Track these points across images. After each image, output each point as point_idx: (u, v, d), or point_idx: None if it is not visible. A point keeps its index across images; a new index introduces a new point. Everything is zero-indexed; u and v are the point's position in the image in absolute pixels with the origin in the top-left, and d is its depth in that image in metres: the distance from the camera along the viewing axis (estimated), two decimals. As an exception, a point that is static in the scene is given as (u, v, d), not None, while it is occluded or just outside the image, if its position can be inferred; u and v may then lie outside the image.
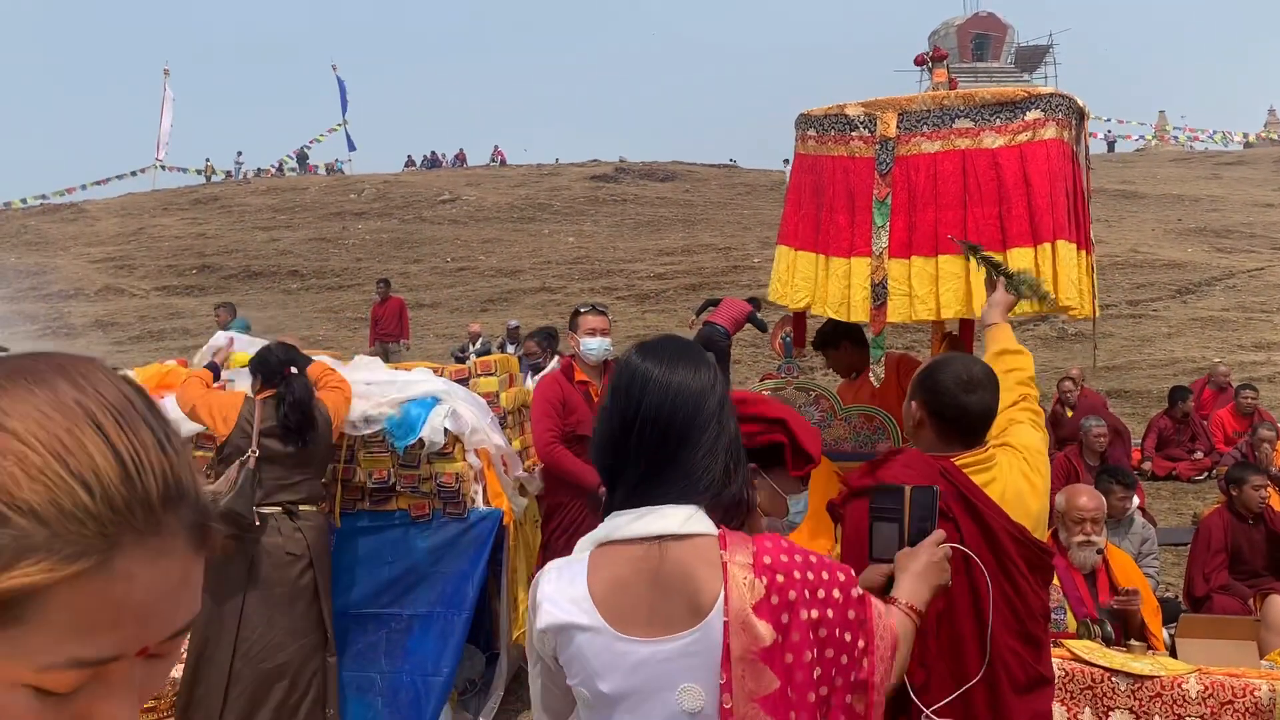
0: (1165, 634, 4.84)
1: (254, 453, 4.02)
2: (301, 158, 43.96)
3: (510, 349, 15.96)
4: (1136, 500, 6.03)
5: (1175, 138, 49.46)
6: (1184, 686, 3.63)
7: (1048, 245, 3.97)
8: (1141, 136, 48.27)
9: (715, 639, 1.46)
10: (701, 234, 27.93)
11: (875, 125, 4.19)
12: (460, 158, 47.21)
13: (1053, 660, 2.43)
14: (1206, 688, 3.61)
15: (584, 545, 1.60)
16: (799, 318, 4.92)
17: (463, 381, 5.01)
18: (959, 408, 2.38)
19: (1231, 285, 20.23)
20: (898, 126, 4.16)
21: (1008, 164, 4.02)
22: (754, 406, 1.95)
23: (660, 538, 1.52)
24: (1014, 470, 2.40)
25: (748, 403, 1.94)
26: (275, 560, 4.00)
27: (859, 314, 4.16)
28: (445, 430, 4.50)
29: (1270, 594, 4.69)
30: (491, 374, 5.14)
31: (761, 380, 8.71)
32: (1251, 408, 10.19)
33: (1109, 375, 14.80)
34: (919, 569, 1.91)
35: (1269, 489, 5.90)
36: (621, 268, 24.41)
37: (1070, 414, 9.98)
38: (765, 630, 1.45)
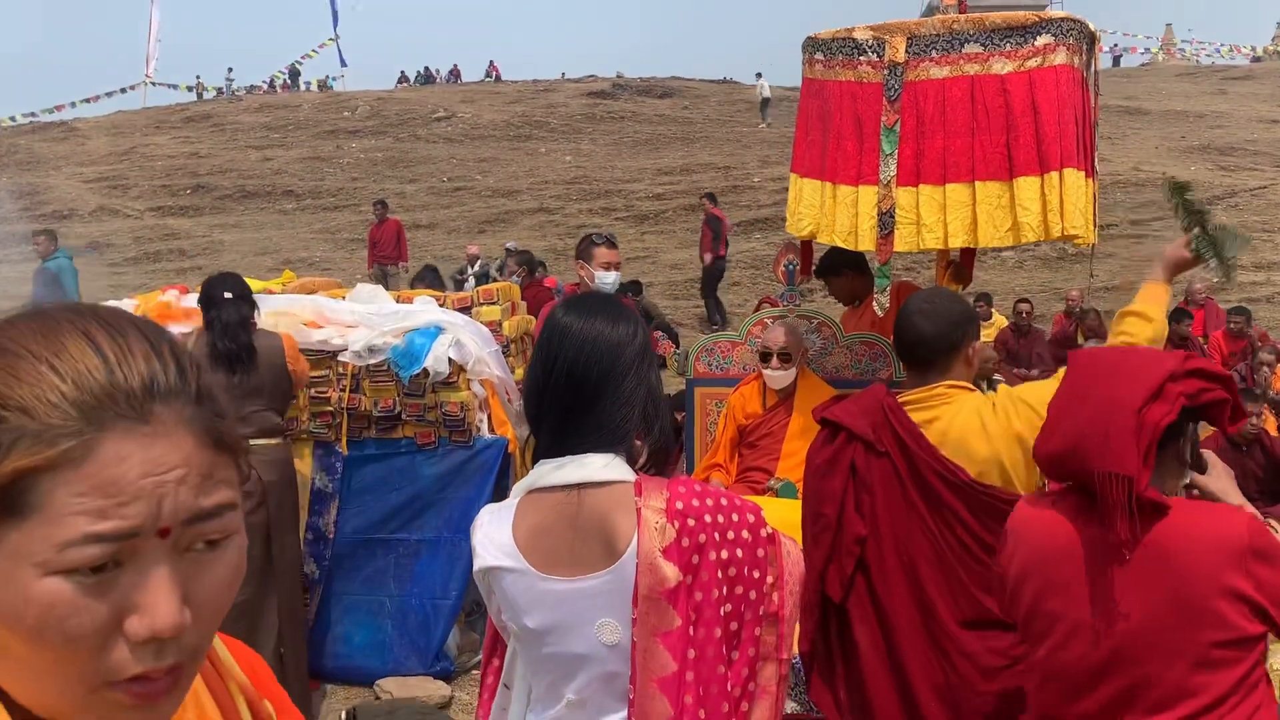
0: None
1: None
2: (293, 74, 43.24)
3: (508, 271, 15.93)
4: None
5: (1182, 51, 48.65)
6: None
7: (1055, 174, 3.95)
8: (1147, 50, 47.49)
9: (628, 578, 1.58)
10: (700, 153, 27.62)
11: (884, 50, 4.12)
12: (455, 73, 46.43)
13: None
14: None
15: (516, 491, 1.71)
16: (805, 245, 4.90)
17: (465, 310, 5.02)
18: (899, 334, 2.49)
19: (1234, 204, 20.09)
20: (906, 51, 4.09)
21: (1016, 91, 3.97)
22: (1198, 362, 1.96)
23: (580, 485, 1.62)
24: (966, 412, 2.38)
25: (1194, 360, 1.95)
26: None
27: (866, 243, 4.14)
28: (449, 360, 4.52)
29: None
30: (494, 302, 5.14)
31: (760, 306, 8.71)
32: (1241, 330, 10.21)
33: (1109, 296, 14.78)
34: None
35: (1263, 416, 5.95)
36: (620, 188, 24.20)
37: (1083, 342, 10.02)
38: (671, 571, 1.56)
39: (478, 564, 1.70)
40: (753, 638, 1.66)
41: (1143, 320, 2.58)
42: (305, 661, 4.22)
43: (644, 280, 14.58)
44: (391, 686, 4.42)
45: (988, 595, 2.30)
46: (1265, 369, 8.00)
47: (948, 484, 2.31)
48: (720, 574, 1.61)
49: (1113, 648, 1.89)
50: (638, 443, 1.71)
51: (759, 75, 34.21)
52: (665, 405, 1.79)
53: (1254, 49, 47.88)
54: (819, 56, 4.36)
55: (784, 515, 3.57)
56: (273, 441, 4.08)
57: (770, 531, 1.70)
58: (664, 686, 1.55)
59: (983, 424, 2.35)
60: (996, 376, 9.08)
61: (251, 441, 3.93)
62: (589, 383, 1.65)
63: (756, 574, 1.66)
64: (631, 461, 1.69)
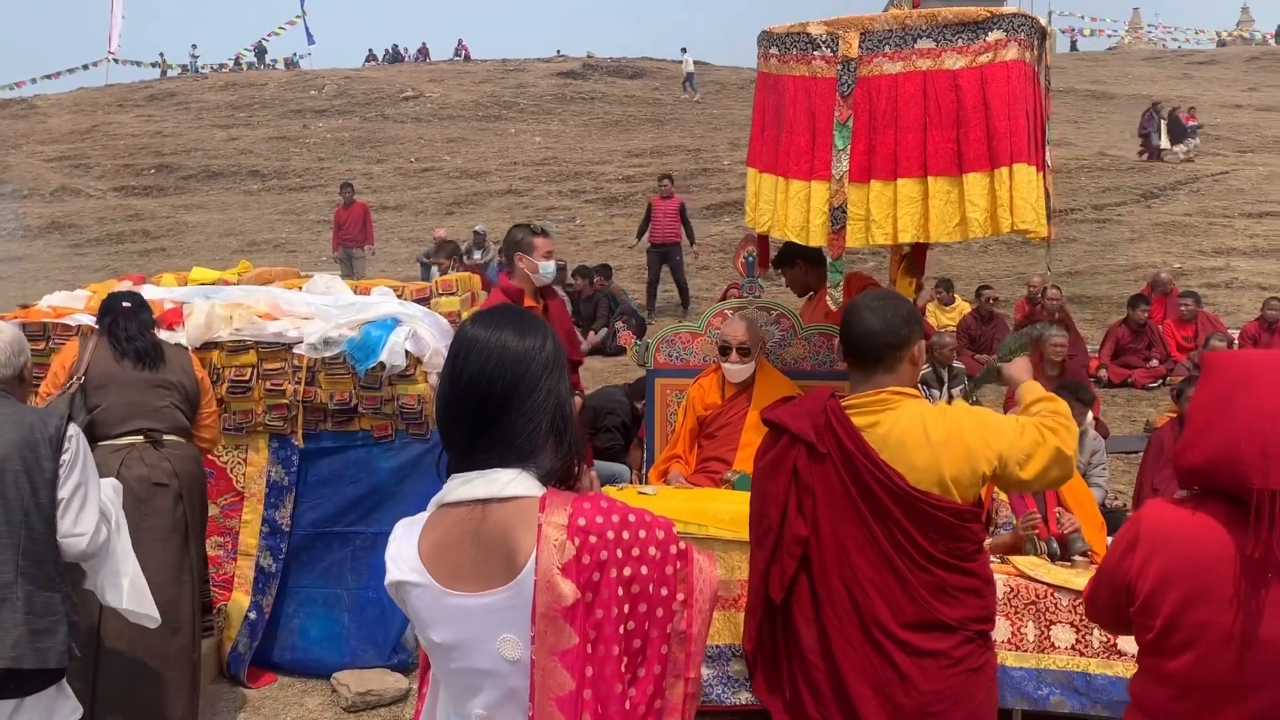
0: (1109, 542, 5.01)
1: (79, 379, 3.82)
2: (259, 52, 42.68)
3: (477, 255, 15.84)
4: (1091, 414, 6.17)
5: (1150, 35, 49.01)
6: (1121, 602, 3.78)
7: (1005, 169, 3.98)
8: (1115, 33, 47.80)
9: (527, 595, 1.56)
10: (671, 135, 27.57)
11: (837, 45, 4.13)
12: (423, 52, 46.00)
13: (987, 605, 2.45)
14: (1143, 603, 3.76)
15: (431, 505, 1.70)
16: (762, 237, 4.93)
17: (423, 301, 5.00)
18: (846, 330, 2.48)
19: (1195, 189, 20.31)
20: (860, 46, 4.10)
21: (968, 87, 4.00)
22: None
23: (484, 500, 1.62)
24: (908, 418, 2.37)
25: None
26: (142, 492, 3.72)
27: (818, 238, 4.17)
28: (406, 352, 4.51)
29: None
30: (453, 293, 5.13)
31: (726, 293, 8.73)
32: (1192, 314, 10.33)
33: (1072, 281, 14.93)
34: None
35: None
36: (590, 169, 24.11)
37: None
38: (568, 590, 1.55)
39: (387, 578, 1.69)
40: (659, 655, 1.65)
41: (1052, 400, 2.62)
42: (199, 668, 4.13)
43: (613, 264, 14.54)
44: (349, 680, 4.41)
45: (934, 598, 2.34)
46: (1219, 356, 8.10)
47: (887, 489, 2.32)
48: (622, 592, 1.60)
49: (1262, 662, 1.85)
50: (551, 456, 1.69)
51: (684, 50, 34.41)
52: (573, 420, 1.76)
53: (1218, 33, 48.30)
54: (773, 51, 4.37)
55: (740, 509, 3.61)
56: (181, 440, 3.97)
57: (682, 548, 1.69)
58: (562, 705, 1.55)
59: (925, 432, 2.35)
60: (958, 363, 9.17)
61: (165, 437, 3.89)
62: (494, 395, 1.64)
63: (665, 591, 1.65)
64: (550, 476, 1.68)
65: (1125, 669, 3.77)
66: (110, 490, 3.15)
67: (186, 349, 4.18)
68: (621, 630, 1.61)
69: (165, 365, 3.98)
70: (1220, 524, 1.91)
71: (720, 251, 17.19)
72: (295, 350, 4.59)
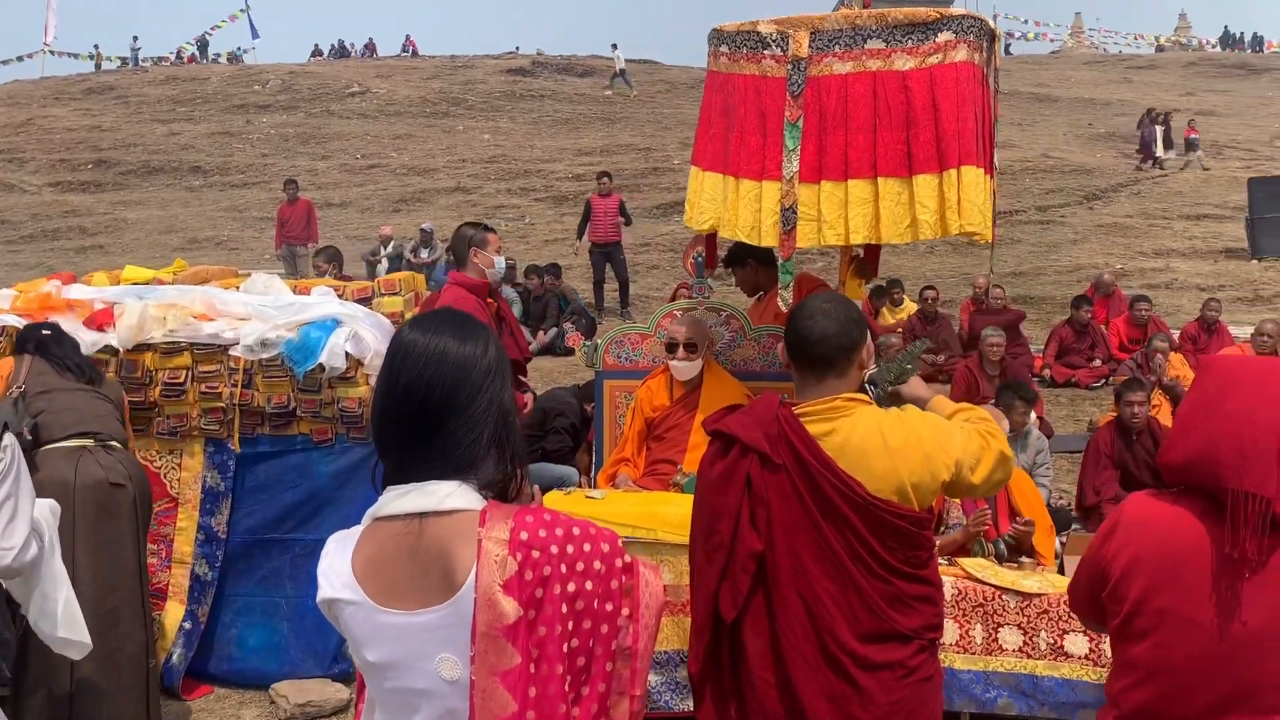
0: (1057, 543, 5.04)
1: (18, 388, 3.72)
2: (202, 45, 41.90)
3: (424, 253, 15.66)
4: (1034, 414, 6.21)
5: (1091, 39, 49.96)
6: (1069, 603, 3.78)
7: (954, 171, 3.97)
8: (1058, 37, 48.65)
9: (466, 613, 1.50)
10: (621, 133, 27.50)
11: (788, 44, 4.10)
12: (370, 47, 45.46)
13: (938, 613, 2.41)
14: (1089, 604, 3.77)
15: (366, 518, 1.63)
16: (710, 238, 4.88)
17: (365, 301, 4.88)
18: (796, 334, 2.39)
19: (1136, 192, 20.71)
20: (810, 46, 4.07)
21: (917, 88, 3.98)
22: None
23: (421, 514, 1.55)
24: (865, 426, 2.32)
25: None
26: (100, 493, 3.63)
27: (769, 239, 4.13)
28: (346, 354, 4.39)
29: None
30: (396, 293, 5.01)
31: (674, 296, 8.69)
32: (1147, 318, 10.51)
33: (1016, 281, 15.12)
34: None
35: (1155, 404, 6.11)
36: (539, 167, 23.97)
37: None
38: (510, 607, 1.49)
39: (319, 595, 1.62)
40: (604, 673, 1.60)
41: (970, 408, 2.61)
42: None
43: (563, 263, 14.44)
44: (288, 691, 4.29)
45: (891, 608, 2.28)
46: (1159, 356, 8.22)
47: (846, 498, 2.25)
48: (566, 608, 1.54)
49: (1228, 651, 1.91)
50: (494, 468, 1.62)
51: (614, 46, 34.52)
52: (516, 429, 1.68)
53: (1157, 39, 49.33)
54: (723, 49, 4.32)
55: (690, 513, 3.55)
56: (125, 449, 3.88)
57: (628, 561, 1.64)
58: None
59: (884, 439, 2.30)
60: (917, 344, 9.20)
61: (112, 442, 3.78)
62: (432, 404, 1.57)
63: (609, 606, 1.60)
64: (491, 487, 1.61)
65: (1071, 671, 3.78)
66: (47, 511, 3.01)
67: (118, 384, 4.09)
68: (565, 648, 1.55)
69: (104, 383, 3.95)
70: (1195, 517, 1.98)
71: (670, 251, 17.18)
72: (231, 352, 4.47)
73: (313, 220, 15.50)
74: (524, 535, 1.52)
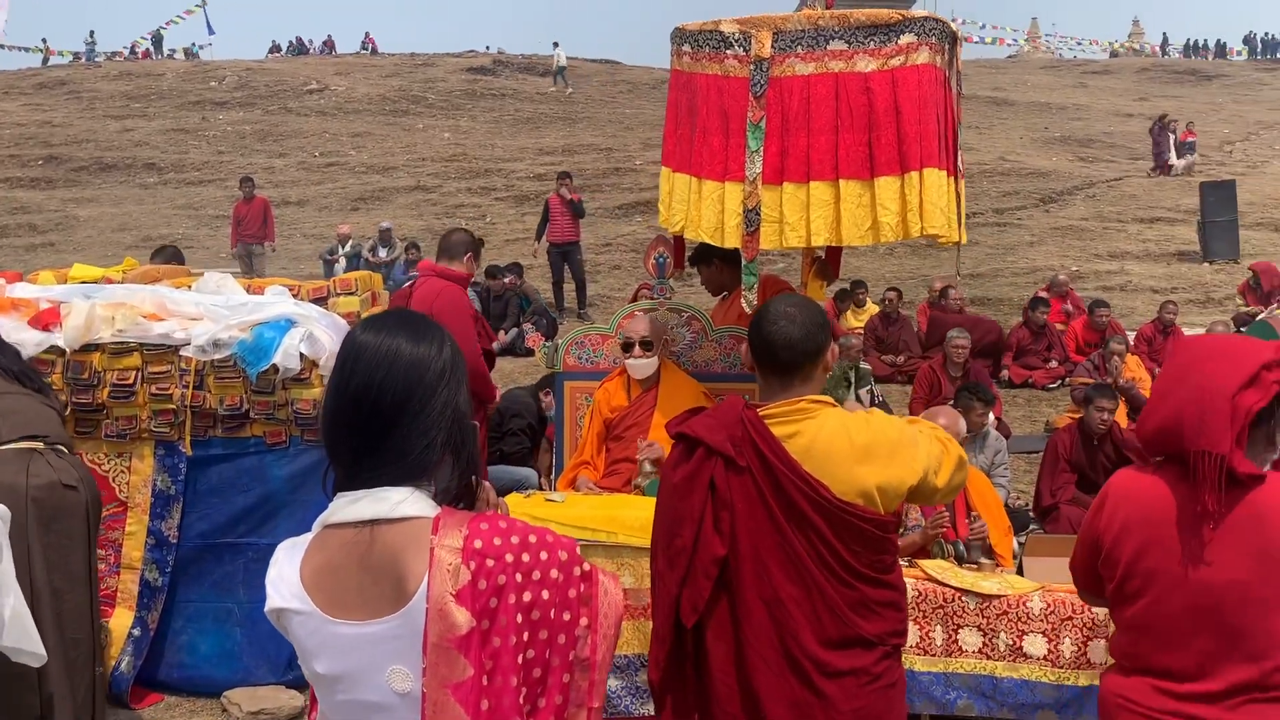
0: (1015, 543, 5.07)
1: None
2: (157, 40, 41.26)
3: (382, 252, 15.51)
4: (992, 416, 6.25)
5: (1047, 44, 50.62)
6: (1028, 604, 3.80)
7: (915, 174, 3.97)
8: (1015, 42, 49.25)
9: (418, 624, 1.46)
10: (583, 133, 27.43)
11: (750, 44, 4.07)
12: (329, 44, 45.06)
13: (902, 622, 2.39)
14: (1049, 605, 3.79)
15: (316, 525, 1.59)
16: (677, 239, 4.85)
17: (320, 301, 4.79)
18: (762, 339, 2.37)
19: (1091, 195, 20.97)
20: (772, 46, 4.05)
21: (879, 90, 3.97)
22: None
23: (372, 522, 1.51)
24: (830, 428, 2.30)
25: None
26: (53, 495, 3.49)
27: (732, 240, 4.10)
28: (301, 355, 4.31)
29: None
30: (353, 293, 4.92)
31: (635, 297, 8.65)
32: (1105, 323, 10.62)
33: (973, 283, 15.26)
34: None
35: (1116, 410, 6.17)
36: (500, 167, 23.84)
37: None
38: (463, 618, 1.45)
39: (267, 604, 1.57)
40: (560, 685, 1.56)
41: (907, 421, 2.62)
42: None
43: (524, 263, 14.36)
44: (241, 698, 4.20)
45: (855, 613, 2.26)
46: (1116, 359, 8.32)
47: (811, 501, 2.22)
48: (521, 618, 1.50)
49: (1209, 603, 2.10)
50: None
51: (556, 44, 34.61)
52: (471, 434, 1.64)
53: (1111, 44, 50.12)
54: (686, 49, 4.29)
55: (650, 515, 3.52)
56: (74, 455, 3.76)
57: (586, 569, 1.60)
58: None
59: (850, 441, 2.27)
60: (864, 365, 9.24)
61: (59, 446, 3.64)
62: (385, 407, 1.52)
63: (567, 616, 1.55)
64: (446, 494, 1.57)
65: (1030, 672, 3.79)
66: None
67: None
68: (520, 659, 1.51)
69: (48, 392, 3.82)
70: (1172, 483, 2.18)
71: (632, 251, 17.15)
72: (183, 352, 4.35)
73: (269, 218, 15.31)
74: (478, 543, 1.48)
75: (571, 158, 23.91)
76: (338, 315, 4.70)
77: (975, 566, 4.22)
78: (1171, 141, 22.63)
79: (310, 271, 15.21)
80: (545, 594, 1.52)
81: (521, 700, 1.50)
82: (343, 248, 15.75)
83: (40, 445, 3.58)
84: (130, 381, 4.34)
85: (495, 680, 1.47)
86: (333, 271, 15.13)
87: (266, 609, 1.58)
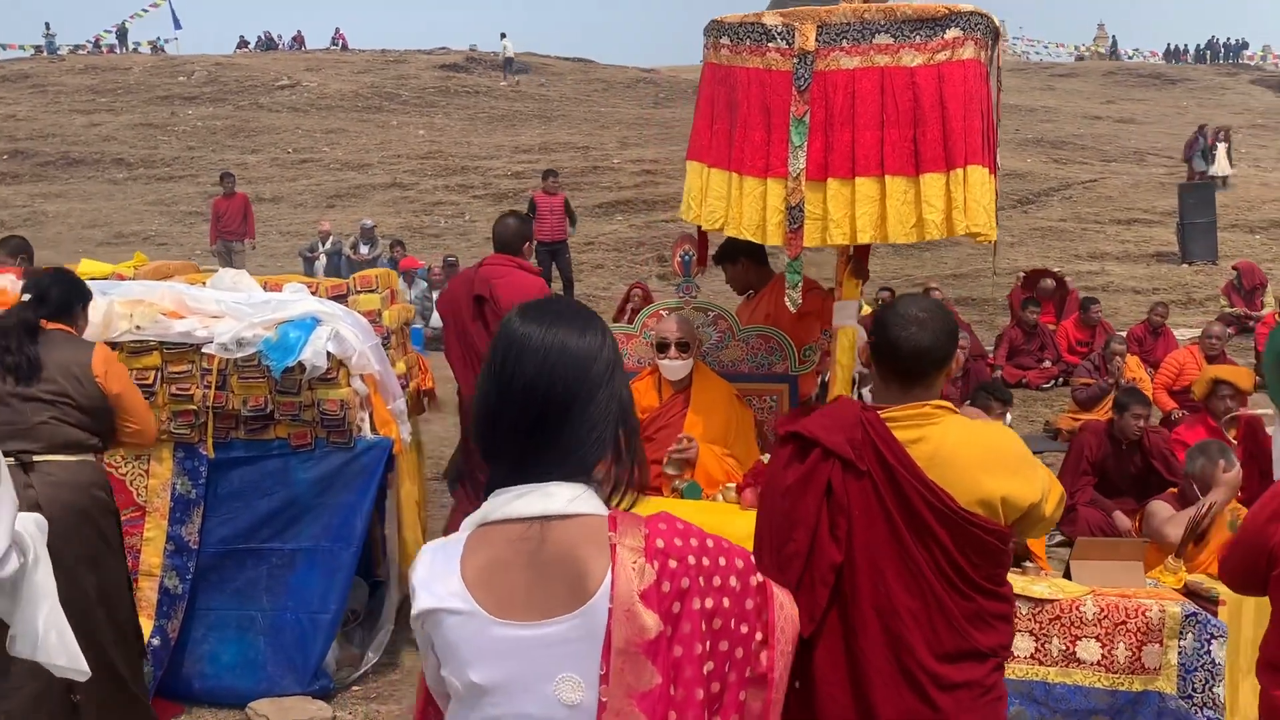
0: (1045, 546, 5.04)
1: None
2: (121, 34, 40.55)
3: (365, 249, 15.30)
4: (1009, 416, 6.22)
5: (1014, 48, 51.10)
6: (1081, 609, 3.75)
7: (960, 170, 3.91)
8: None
9: (598, 626, 1.36)
10: (559, 132, 27.26)
11: (793, 37, 3.99)
12: (298, 39, 44.53)
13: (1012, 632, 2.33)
14: (1102, 609, 3.74)
15: (466, 525, 1.48)
16: (701, 236, 4.76)
17: (340, 298, 4.65)
18: (890, 343, 2.28)
19: (1068, 196, 21.14)
20: (816, 39, 3.97)
21: (925, 85, 3.91)
22: None
23: (543, 518, 1.40)
24: (955, 435, 2.22)
25: None
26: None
27: (774, 237, 4.02)
28: (328, 353, 4.17)
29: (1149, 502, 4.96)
30: (373, 290, 4.78)
31: (627, 296, 8.55)
32: (1097, 320, 10.67)
33: (956, 283, 15.33)
34: None
35: (1149, 416, 6.12)
36: (477, 164, 23.64)
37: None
38: (651, 621, 1.35)
39: (416, 607, 1.45)
40: (736, 703, 1.45)
41: None
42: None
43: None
44: (266, 709, 4.06)
45: (972, 626, 2.18)
46: (1118, 359, 8.34)
47: (935, 510, 2.13)
48: (705, 626, 1.39)
49: None
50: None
51: (503, 35, 34.49)
52: (637, 427, 1.56)
53: (1077, 48, 50.69)
54: (725, 41, 4.20)
55: (692, 518, 3.42)
56: (69, 458, 3.40)
57: (761, 580, 1.50)
58: None
59: (974, 450, 2.19)
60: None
61: (37, 458, 3.32)
62: (553, 404, 1.43)
63: (744, 628, 1.46)
64: (614, 491, 1.48)
65: (1084, 677, 3.74)
66: (33, 525, 2.73)
67: (91, 348, 3.52)
68: (704, 671, 1.39)
69: (48, 378, 3.37)
70: None
71: (614, 250, 17.06)
72: (204, 351, 4.20)
73: (249, 215, 15.06)
74: (660, 543, 1.38)
75: (549, 155, 23.75)
76: (358, 313, 4.57)
77: (1020, 571, 4.17)
78: (1207, 148, 21.83)
79: (289, 269, 14.95)
80: (726, 602, 1.43)
81: (706, 716, 1.39)
82: (323, 245, 15.52)
83: (11, 462, 3.05)
84: (150, 381, 4.18)
85: (680, 691, 1.36)
86: (313, 269, 14.91)
87: (413, 613, 1.46)
